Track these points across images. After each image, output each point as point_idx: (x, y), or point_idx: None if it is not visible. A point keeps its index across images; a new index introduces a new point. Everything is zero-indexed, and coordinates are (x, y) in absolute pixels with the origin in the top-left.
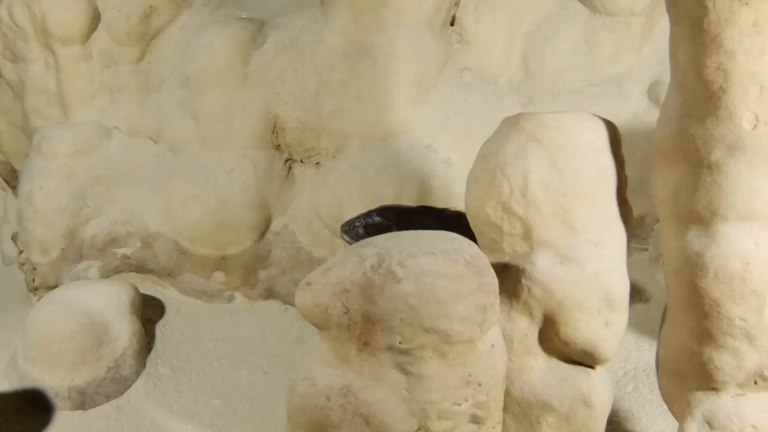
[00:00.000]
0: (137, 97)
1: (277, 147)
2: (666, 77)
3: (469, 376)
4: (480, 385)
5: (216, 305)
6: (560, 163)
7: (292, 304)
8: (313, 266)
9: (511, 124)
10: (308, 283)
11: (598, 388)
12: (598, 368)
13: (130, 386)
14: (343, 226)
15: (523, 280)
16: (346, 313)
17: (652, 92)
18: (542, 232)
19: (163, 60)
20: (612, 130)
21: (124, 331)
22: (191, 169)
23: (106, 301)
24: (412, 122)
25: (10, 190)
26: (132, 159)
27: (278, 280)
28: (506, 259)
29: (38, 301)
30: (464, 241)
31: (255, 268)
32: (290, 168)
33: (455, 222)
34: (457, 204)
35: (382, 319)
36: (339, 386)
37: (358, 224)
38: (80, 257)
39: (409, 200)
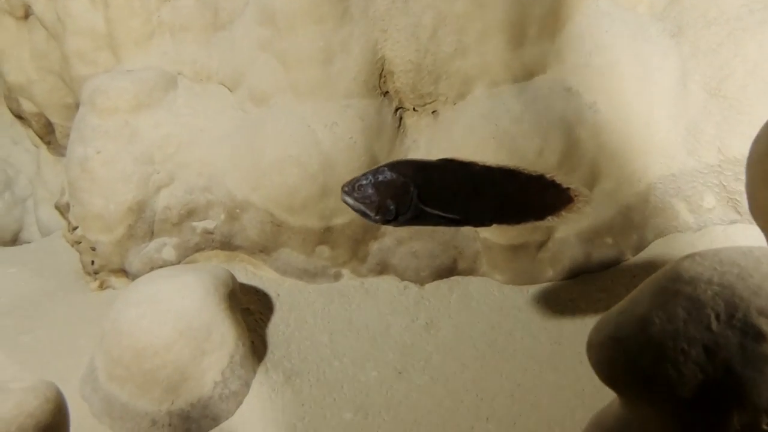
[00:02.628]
0: (204, 37)
1: (385, 94)
2: None
3: None
4: None
5: (321, 285)
6: None
7: (412, 281)
8: (436, 235)
9: None
10: (614, 338)
11: None
12: None
13: (242, 402)
14: (344, 186)
15: None
16: (683, 384)
17: None
18: None
19: None
20: None
21: (228, 333)
22: (283, 124)
23: (202, 297)
24: (549, 61)
25: (44, 147)
26: (205, 112)
27: (393, 252)
28: None
29: (98, 287)
30: None
31: (365, 240)
32: (401, 118)
33: (484, 178)
34: (604, 159)
35: (740, 393)
36: None
37: (365, 182)
38: (151, 234)
39: (553, 156)
